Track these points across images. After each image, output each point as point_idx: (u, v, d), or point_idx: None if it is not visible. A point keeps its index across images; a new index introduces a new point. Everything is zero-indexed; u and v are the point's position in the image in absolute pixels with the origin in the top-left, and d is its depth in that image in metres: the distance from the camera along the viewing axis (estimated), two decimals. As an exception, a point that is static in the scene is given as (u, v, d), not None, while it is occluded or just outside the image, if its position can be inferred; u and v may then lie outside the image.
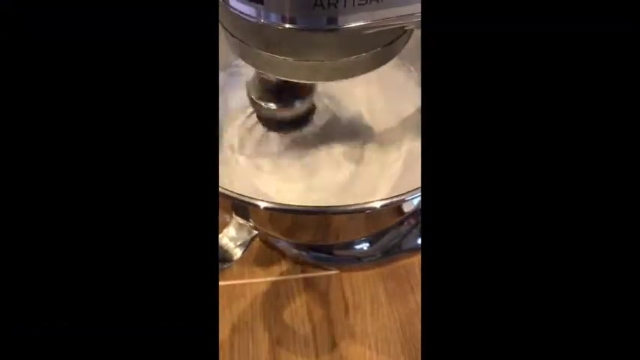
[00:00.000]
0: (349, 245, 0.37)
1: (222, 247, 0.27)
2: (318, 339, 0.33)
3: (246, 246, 0.28)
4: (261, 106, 0.31)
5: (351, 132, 0.35)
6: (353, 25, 0.19)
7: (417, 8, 0.19)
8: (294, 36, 0.20)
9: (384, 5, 0.19)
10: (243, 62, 0.23)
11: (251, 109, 0.33)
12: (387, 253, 0.36)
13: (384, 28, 0.20)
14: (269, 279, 0.36)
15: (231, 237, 0.28)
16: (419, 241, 0.37)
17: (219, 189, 0.25)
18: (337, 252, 0.37)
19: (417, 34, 0.20)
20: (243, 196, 0.25)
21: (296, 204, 0.25)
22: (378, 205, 0.25)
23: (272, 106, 0.30)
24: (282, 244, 0.36)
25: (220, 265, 0.27)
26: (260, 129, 0.34)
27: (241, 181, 0.32)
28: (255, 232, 0.28)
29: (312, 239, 0.34)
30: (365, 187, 0.32)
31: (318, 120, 0.34)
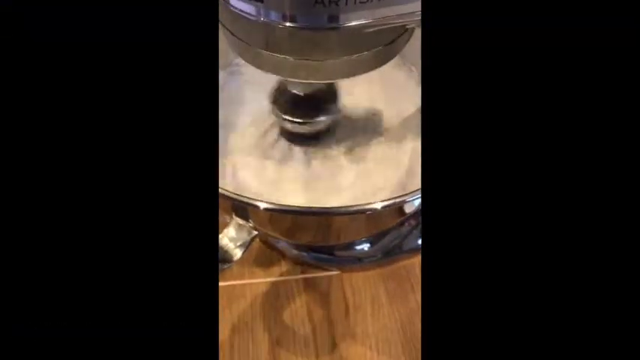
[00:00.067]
0: (350, 246, 0.37)
1: (222, 248, 0.27)
2: (319, 339, 0.33)
3: (246, 246, 0.28)
4: (285, 119, 0.31)
5: (351, 131, 0.34)
6: (354, 23, 0.19)
7: (418, 6, 0.19)
8: (295, 34, 0.20)
9: (385, 3, 0.19)
10: (244, 61, 0.23)
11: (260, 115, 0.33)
12: (388, 254, 0.36)
13: (386, 26, 0.20)
14: (269, 279, 0.35)
15: (231, 237, 0.28)
16: (419, 241, 0.37)
17: (219, 190, 0.24)
18: (338, 252, 0.37)
19: (419, 32, 0.20)
20: (243, 196, 0.25)
21: (297, 204, 0.25)
22: (379, 206, 0.25)
23: (297, 120, 0.30)
24: (282, 244, 0.36)
25: (220, 266, 0.27)
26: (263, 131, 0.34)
27: (243, 180, 0.32)
28: (255, 232, 0.28)
29: (312, 240, 0.34)
30: (367, 187, 0.32)
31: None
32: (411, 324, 0.33)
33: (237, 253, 0.27)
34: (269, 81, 0.36)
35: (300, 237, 0.34)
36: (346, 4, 0.18)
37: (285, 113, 0.31)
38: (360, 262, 0.37)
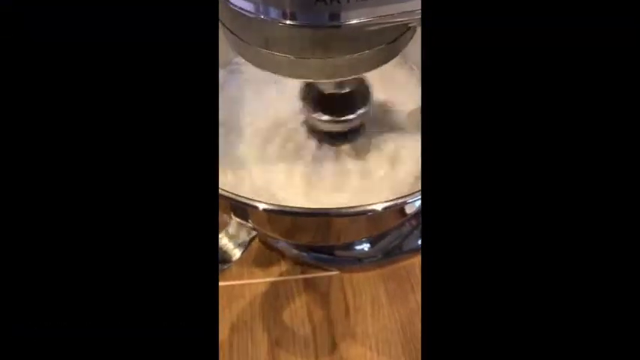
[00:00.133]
0: (350, 246, 0.36)
1: (221, 248, 0.27)
2: (318, 340, 0.33)
3: (246, 246, 0.28)
4: (315, 118, 0.30)
5: (352, 130, 0.34)
6: (355, 21, 0.19)
7: (419, 4, 0.19)
8: (295, 33, 0.20)
9: (387, 1, 0.19)
10: (243, 60, 0.23)
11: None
12: (388, 254, 0.36)
13: (387, 24, 0.20)
14: (268, 279, 0.35)
15: (230, 237, 0.28)
16: (420, 242, 0.37)
17: (219, 190, 0.24)
18: (338, 253, 0.37)
19: (420, 31, 0.20)
20: (242, 197, 0.24)
21: (299, 205, 0.25)
22: (379, 207, 0.24)
23: (326, 118, 0.30)
24: (282, 244, 0.36)
25: (220, 266, 0.27)
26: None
27: (246, 179, 0.32)
28: (255, 232, 0.28)
29: (312, 240, 0.34)
30: (368, 187, 0.32)
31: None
32: (411, 324, 0.33)
33: (237, 253, 0.27)
34: (269, 81, 0.36)
35: (300, 237, 0.34)
36: (348, 1, 0.18)
37: (316, 111, 0.31)
38: (360, 262, 0.37)
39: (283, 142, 0.34)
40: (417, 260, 0.36)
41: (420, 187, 0.26)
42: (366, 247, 0.37)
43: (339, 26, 0.19)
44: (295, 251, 0.36)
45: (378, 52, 0.22)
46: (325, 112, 0.31)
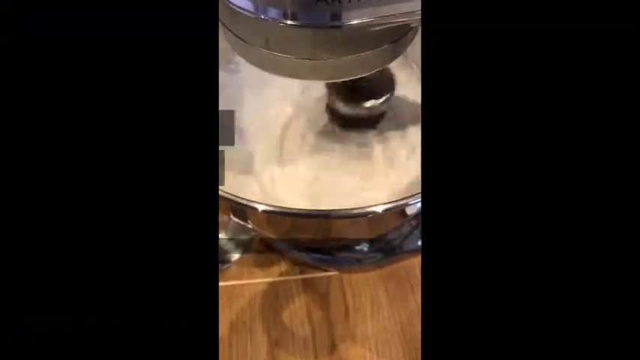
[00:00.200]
0: (349, 246, 0.36)
1: (221, 248, 0.27)
2: (318, 341, 0.33)
3: (245, 247, 0.27)
4: (338, 103, 0.30)
5: (353, 130, 0.34)
6: (357, 21, 0.19)
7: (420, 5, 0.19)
8: (296, 33, 0.20)
9: (388, 1, 0.18)
10: (244, 60, 0.23)
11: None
12: (388, 255, 0.36)
13: (389, 25, 0.20)
14: (268, 280, 0.35)
15: (229, 238, 0.27)
16: (419, 242, 0.37)
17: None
18: (337, 253, 0.37)
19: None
20: (242, 198, 0.24)
21: (301, 206, 0.25)
22: (380, 209, 0.24)
23: (350, 104, 0.30)
24: (282, 244, 0.36)
25: (219, 266, 0.27)
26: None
27: (246, 180, 0.32)
28: (254, 233, 0.28)
29: (311, 241, 0.34)
30: (369, 187, 0.32)
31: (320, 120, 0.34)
32: (410, 325, 0.33)
33: (236, 254, 0.27)
34: (268, 81, 0.35)
35: (300, 238, 0.34)
36: (349, 1, 0.18)
37: (339, 97, 0.31)
38: (359, 262, 0.37)
39: (283, 142, 0.34)
40: (416, 260, 0.36)
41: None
42: (365, 247, 0.37)
43: (340, 26, 0.19)
44: (295, 252, 0.36)
45: (380, 53, 0.22)
46: (350, 98, 0.31)
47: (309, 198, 0.31)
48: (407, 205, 0.25)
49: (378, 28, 0.20)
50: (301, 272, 0.36)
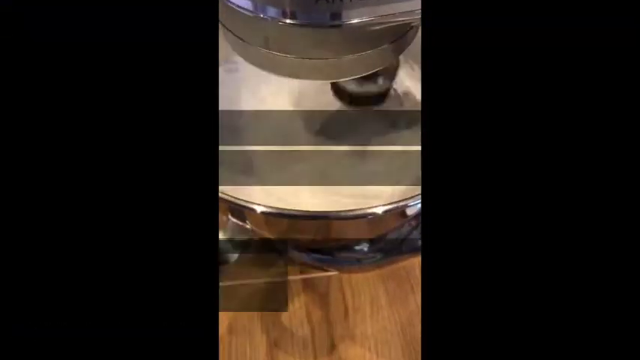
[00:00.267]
0: (349, 246, 0.36)
1: (220, 249, 0.27)
2: (317, 341, 0.33)
3: (244, 247, 0.27)
4: (347, 81, 0.30)
5: (353, 130, 0.34)
6: (357, 20, 0.19)
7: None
8: (295, 32, 0.19)
9: (388, 0, 0.18)
10: (242, 59, 0.23)
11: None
12: (388, 255, 0.36)
13: (389, 24, 0.20)
14: (267, 280, 0.35)
15: (228, 238, 0.27)
16: (419, 242, 0.36)
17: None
18: (337, 253, 0.37)
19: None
20: (240, 199, 0.24)
21: (302, 205, 0.25)
22: (380, 210, 0.24)
23: (359, 80, 0.30)
24: (281, 245, 0.36)
25: (219, 267, 0.27)
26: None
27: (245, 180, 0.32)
28: (253, 233, 0.28)
29: (311, 242, 0.34)
30: (369, 187, 0.31)
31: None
32: (410, 325, 0.33)
33: (235, 254, 0.27)
34: (266, 80, 0.35)
35: (299, 239, 0.34)
36: (349, 0, 0.18)
37: None
38: (359, 262, 0.37)
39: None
40: (416, 261, 0.36)
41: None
42: (365, 247, 0.37)
43: (340, 25, 0.19)
44: (294, 252, 0.36)
45: (380, 52, 0.21)
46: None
47: (311, 197, 0.31)
48: (407, 206, 0.25)
49: (378, 28, 0.19)
50: (301, 272, 0.36)
